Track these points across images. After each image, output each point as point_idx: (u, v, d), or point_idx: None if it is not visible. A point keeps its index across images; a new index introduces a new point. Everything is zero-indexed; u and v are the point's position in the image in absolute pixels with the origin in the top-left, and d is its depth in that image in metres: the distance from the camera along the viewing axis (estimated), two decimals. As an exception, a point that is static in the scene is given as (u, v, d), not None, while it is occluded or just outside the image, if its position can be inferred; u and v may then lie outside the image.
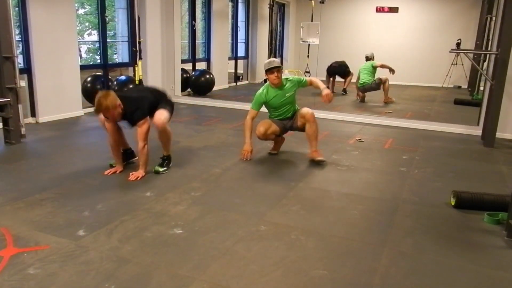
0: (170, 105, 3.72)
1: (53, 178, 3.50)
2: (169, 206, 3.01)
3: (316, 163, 4.11)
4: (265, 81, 11.71)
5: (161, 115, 3.54)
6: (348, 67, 9.27)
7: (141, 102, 3.50)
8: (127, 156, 3.89)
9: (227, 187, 3.45)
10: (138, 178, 3.50)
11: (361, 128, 5.89)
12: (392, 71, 8.09)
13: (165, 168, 3.71)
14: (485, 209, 3.02)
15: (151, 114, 3.55)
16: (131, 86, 6.53)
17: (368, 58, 8.33)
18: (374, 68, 8.12)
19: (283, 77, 4.17)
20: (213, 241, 2.52)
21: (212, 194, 3.29)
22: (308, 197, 3.29)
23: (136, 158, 3.86)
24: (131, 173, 3.55)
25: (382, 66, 8.16)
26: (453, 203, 3.17)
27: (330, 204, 3.17)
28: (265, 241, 2.55)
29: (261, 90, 4.20)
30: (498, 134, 5.16)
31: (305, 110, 4.14)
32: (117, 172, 3.65)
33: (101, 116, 3.48)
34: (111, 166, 3.75)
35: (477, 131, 5.57)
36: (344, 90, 9.21)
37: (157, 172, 3.66)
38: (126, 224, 2.70)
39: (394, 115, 6.96)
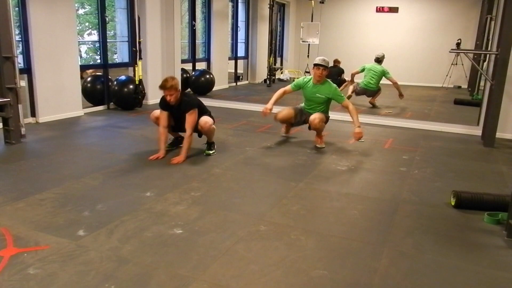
0: (211, 116, 4.34)
1: (53, 178, 3.50)
2: (169, 206, 3.01)
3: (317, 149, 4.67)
4: (264, 81, 11.70)
5: (206, 119, 4.18)
6: (341, 73, 8.91)
7: (193, 99, 4.17)
8: (178, 142, 4.46)
9: (227, 187, 3.45)
10: (180, 162, 3.94)
11: (361, 128, 5.88)
12: (401, 95, 7.54)
13: (213, 151, 4.35)
14: (485, 209, 3.02)
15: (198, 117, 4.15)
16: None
17: (379, 60, 7.55)
18: (385, 77, 7.44)
19: (296, 78, 4.80)
20: (213, 241, 2.52)
21: (212, 194, 3.29)
22: (308, 197, 3.29)
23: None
24: (172, 158, 3.99)
25: (395, 85, 7.47)
26: (453, 203, 3.18)
27: (330, 204, 3.17)
28: (265, 241, 2.55)
29: (306, 77, 4.84)
30: (498, 134, 5.16)
31: (315, 118, 4.60)
32: (159, 157, 4.07)
33: (155, 112, 4.19)
34: (170, 145, 4.39)
35: (477, 131, 5.57)
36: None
37: (208, 154, 4.28)
38: (126, 224, 2.70)
39: (394, 115, 6.96)
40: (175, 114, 4.10)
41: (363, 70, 7.64)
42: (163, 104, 4.06)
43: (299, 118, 4.91)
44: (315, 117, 4.60)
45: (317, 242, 2.56)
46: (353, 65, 8.98)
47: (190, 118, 4.01)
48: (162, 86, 3.90)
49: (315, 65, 4.60)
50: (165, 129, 4.12)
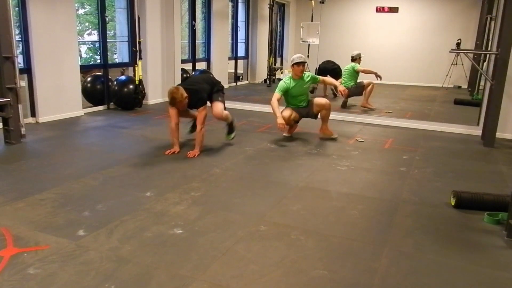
0: (222, 92, 4.57)
1: (53, 178, 3.51)
2: (169, 206, 3.01)
3: (325, 139, 5.12)
4: (264, 81, 11.69)
5: (217, 108, 4.43)
6: (336, 67, 8.75)
7: (201, 94, 4.30)
8: (194, 127, 4.69)
9: (227, 187, 3.45)
10: (195, 156, 4.15)
11: (361, 128, 5.89)
12: (378, 77, 7.37)
13: (233, 133, 4.71)
14: (485, 209, 3.02)
15: (209, 98, 4.43)
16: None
17: (353, 59, 7.46)
18: (356, 72, 7.33)
19: (289, 74, 5.13)
20: (213, 241, 2.52)
21: (212, 194, 3.29)
22: (308, 197, 3.29)
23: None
24: (188, 152, 4.20)
25: (365, 72, 7.31)
26: (453, 203, 3.18)
27: (330, 204, 3.17)
28: (265, 241, 2.55)
29: (284, 79, 5.09)
30: (498, 134, 5.16)
31: (323, 100, 5.10)
32: (175, 152, 4.25)
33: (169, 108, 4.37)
34: (191, 128, 4.73)
35: (477, 131, 5.57)
36: (334, 94, 8.62)
37: (230, 139, 4.65)
38: (126, 224, 2.70)
39: (394, 115, 6.96)
40: (190, 108, 4.44)
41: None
42: (175, 104, 4.23)
43: (300, 113, 5.13)
44: (325, 100, 5.07)
45: (317, 242, 2.56)
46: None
47: (200, 115, 4.23)
48: (172, 104, 4.18)
49: (297, 63, 4.96)
50: (176, 125, 4.28)
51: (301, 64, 4.97)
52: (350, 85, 7.26)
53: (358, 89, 7.38)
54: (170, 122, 4.31)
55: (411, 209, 3.13)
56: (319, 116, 5.16)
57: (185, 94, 4.14)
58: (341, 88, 5.15)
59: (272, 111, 4.94)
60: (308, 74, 5.12)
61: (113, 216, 2.82)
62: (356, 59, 7.44)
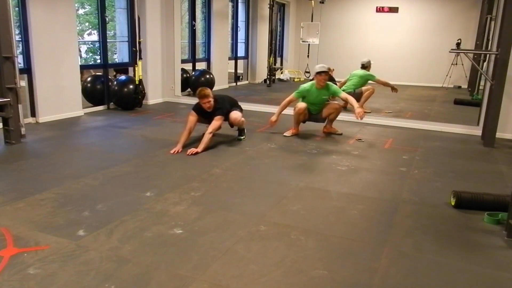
0: (240, 108, 4.98)
1: (53, 178, 3.51)
2: (169, 206, 3.01)
3: (329, 134, 5.39)
4: (264, 81, 11.72)
5: (236, 114, 4.78)
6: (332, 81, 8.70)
7: (224, 104, 4.70)
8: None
9: (227, 187, 3.45)
10: (193, 153, 4.28)
11: (361, 128, 5.89)
12: (394, 89, 7.20)
13: (243, 136, 5.02)
14: (485, 209, 3.02)
15: (226, 116, 4.73)
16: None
17: (364, 66, 7.25)
18: (371, 80, 7.07)
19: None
20: (213, 241, 2.52)
21: (212, 194, 3.29)
22: (308, 197, 3.29)
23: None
24: (189, 149, 4.32)
25: (384, 84, 7.14)
26: (453, 203, 3.18)
27: (330, 204, 3.17)
28: (265, 241, 2.55)
29: (307, 84, 5.23)
30: (498, 134, 5.16)
31: (336, 104, 5.39)
32: (179, 151, 4.37)
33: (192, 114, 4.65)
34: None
35: (477, 131, 5.57)
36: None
37: (240, 140, 4.94)
38: (126, 224, 2.70)
39: (394, 115, 6.96)
40: (206, 117, 4.66)
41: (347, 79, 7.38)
42: (198, 108, 4.60)
43: (309, 115, 5.35)
44: (334, 105, 5.30)
45: (317, 242, 2.56)
46: (353, 65, 8.98)
47: (215, 123, 4.53)
48: (201, 96, 4.49)
49: (319, 73, 5.06)
50: (189, 131, 4.53)
51: (324, 73, 5.06)
52: (354, 89, 7.08)
53: (358, 96, 7.17)
54: (185, 125, 4.54)
55: (411, 209, 3.13)
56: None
57: (212, 95, 4.54)
58: (358, 110, 4.93)
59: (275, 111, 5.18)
60: (333, 86, 5.23)
61: (113, 216, 2.82)
62: (367, 66, 7.26)
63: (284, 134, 5.24)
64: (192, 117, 4.57)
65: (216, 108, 4.59)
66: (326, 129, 5.42)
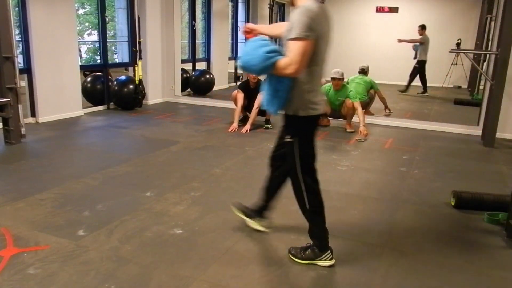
0: None
1: (53, 178, 3.51)
2: (169, 206, 3.01)
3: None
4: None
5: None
6: None
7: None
8: (245, 120, 5.54)
9: (227, 187, 3.45)
10: (247, 131, 5.19)
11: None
12: (388, 109, 6.92)
13: (270, 125, 5.53)
14: (485, 209, 3.02)
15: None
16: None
17: (364, 71, 6.92)
18: (374, 89, 6.76)
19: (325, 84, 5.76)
20: (213, 241, 2.52)
21: (212, 194, 3.29)
22: (308, 197, 3.28)
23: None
24: (241, 129, 5.18)
25: (381, 99, 6.89)
26: (453, 203, 3.18)
27: (330, 204, 3.16)
28: (265, 241, 2.55)
29: (327, 85, 5.74)
30: (498, 134, 5.16)
31: (355, 104, 5.58)
32: (235, 130, 5.24)
33: (234, 94, 5.53)
34: (241, 121, 5.53)
35: (477, 131, 5.57)
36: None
37: (267, 128, 5.49)
38: (126, 224, 2.70)
39: (394, 115, 6.95)
40: (249, 95, 5.36)
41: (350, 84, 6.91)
42: (243, 86, 5.43)
43: (331, 111, 5.81)
44: (357, 105, 5.51)
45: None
46: (353, 65, 8.97)
47: (260, 98, 4.92)
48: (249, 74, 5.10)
49: (332, 78, 5.54)
50: (242, 107, 5.34)
51: (336, 79, 5.53)
52: (365, 99, 6.64)
53: (370, 100, 6.92)
54: (237, 104, 5.36)
55: (411, 209, 3.13)
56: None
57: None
58: (362, 129, 5.15)
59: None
60: (350, 90, 5.61)
61: (113, 216, 2.82)
62: (367, 72, 6.99)
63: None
64: (240, 94, 5.35)
65: (259, 84, 5.12)
66: (347, 125, 5.71)
